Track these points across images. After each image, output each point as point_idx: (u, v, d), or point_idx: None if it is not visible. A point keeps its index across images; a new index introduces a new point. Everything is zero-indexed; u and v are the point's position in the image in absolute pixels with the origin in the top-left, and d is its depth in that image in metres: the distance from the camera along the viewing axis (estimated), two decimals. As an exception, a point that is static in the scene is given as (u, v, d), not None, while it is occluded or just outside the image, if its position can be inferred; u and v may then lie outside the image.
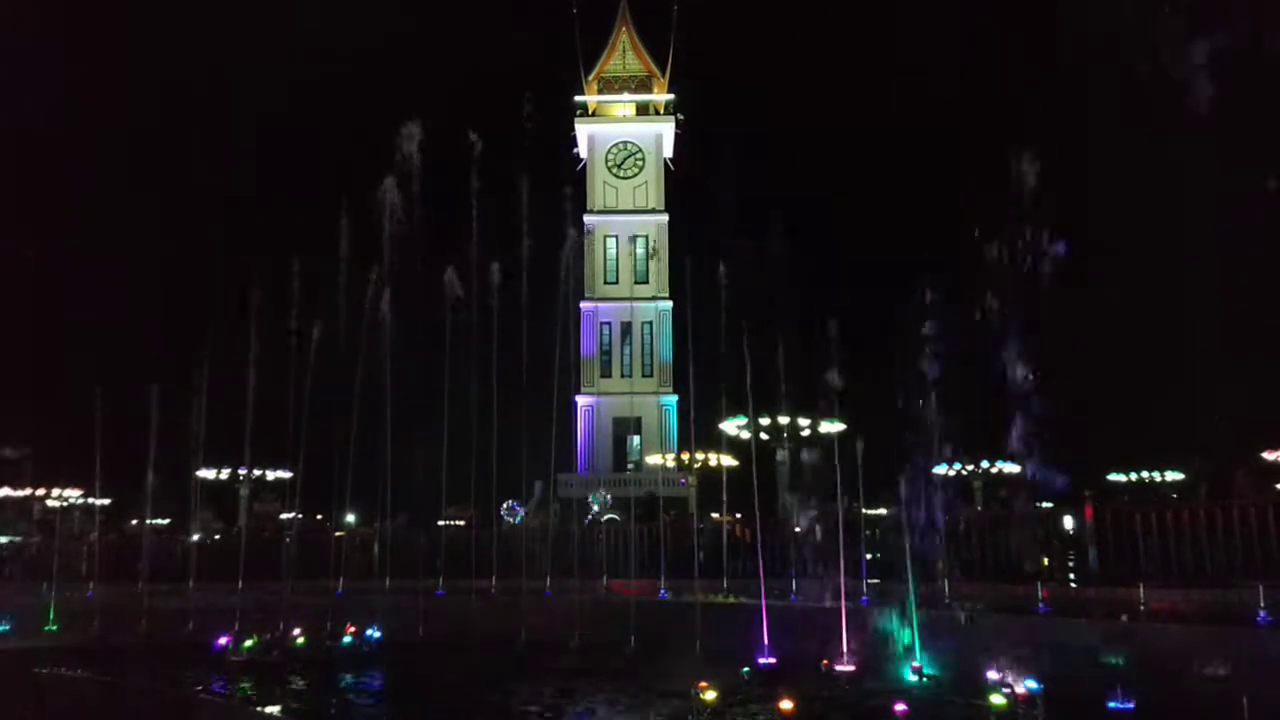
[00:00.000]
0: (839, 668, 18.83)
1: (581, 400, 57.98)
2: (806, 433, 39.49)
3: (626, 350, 59.37)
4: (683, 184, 61.02)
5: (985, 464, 44.74)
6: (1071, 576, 25.71)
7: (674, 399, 57.71)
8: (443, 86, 72.67)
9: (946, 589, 23.52)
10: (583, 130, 62.31)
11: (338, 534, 34.43)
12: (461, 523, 35.64)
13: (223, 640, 23.23)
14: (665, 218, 60.26)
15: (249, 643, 23.11)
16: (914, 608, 19.34)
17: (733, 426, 40.21)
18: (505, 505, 38.21)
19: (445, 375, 31.28)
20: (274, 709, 17.30)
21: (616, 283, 59.87)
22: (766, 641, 20.43)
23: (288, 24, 68.30)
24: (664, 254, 59.44)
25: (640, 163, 61.58)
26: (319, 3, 76.44)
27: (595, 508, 43.97)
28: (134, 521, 41.69)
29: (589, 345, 58.77)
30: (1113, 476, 47.34)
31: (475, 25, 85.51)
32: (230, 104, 75.46)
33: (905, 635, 18.89)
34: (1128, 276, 48.23)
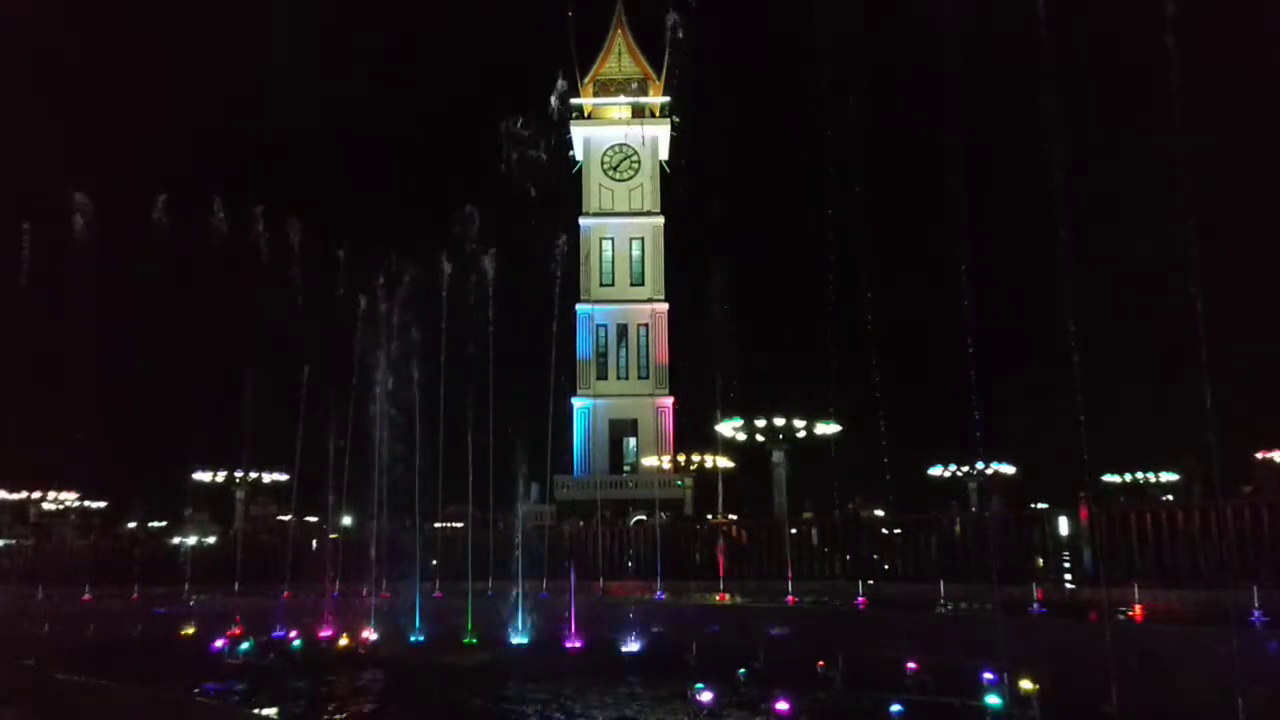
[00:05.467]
0: None
1: (577, 402, 58.03)
2: (801, 434, 39.60)
3: (622, 352, 59.43)
4: (679, 186, 61.13)
5: (980, 465, 44.90)
6: (1067, 577, 25.78)
7: (670, 401, 57.84)
8: (436, 90, 72.83)
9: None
10: (578, 133, 62.36)
11: (332, 535, 34.48)
12: (459, 524, 35.63)
13: (219, 643, 23.21)
14: (661, 220, 60.33)
15: (245, 645, 23.10)
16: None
17: (728, 428, 40.30)
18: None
19: (442, 377, 31.31)
20: (270, 711, 17.31)
21: (612, 285, 59.95)
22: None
23: (278, 29, 68.36)
24: (659, 256, 59.59)
25: (636, 165, 61.63)
26: (306, 8, 76.58)
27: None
28: (130, 524, 41.72)
29: (585, 348, 58.86)
30: (1107, 477, 47.55)
31: (471, 28, 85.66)
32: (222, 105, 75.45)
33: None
34: (1123, 273, 48.40)
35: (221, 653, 22.82)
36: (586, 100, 62.86)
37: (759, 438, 39.76)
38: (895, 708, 14.78)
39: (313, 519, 43.42)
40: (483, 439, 30.60)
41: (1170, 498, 42.63)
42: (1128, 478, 49.75)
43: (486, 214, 34.95)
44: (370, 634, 24.75)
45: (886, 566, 29.30)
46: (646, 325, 59.09)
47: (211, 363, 32.24)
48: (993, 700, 15.16)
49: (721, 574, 29.65)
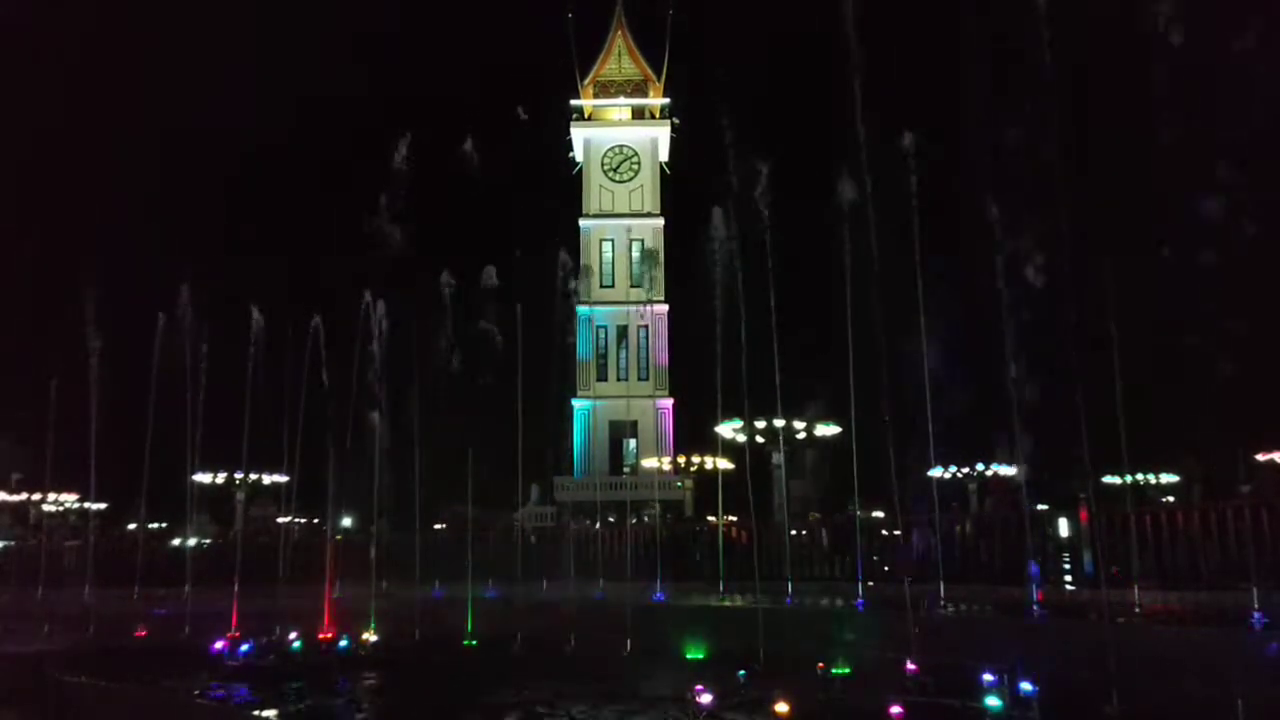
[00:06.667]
0: None
1: (578, 404, 58.05)
2: (802, 435, 39.61)
3: (623, 354, 59.47)
4: (678, 187, 61.16)
5: (980, 466, 44.86)
6: (1067, 579, 25.78)
7: (670, 402, 57.85)
8: (437, 92, 72.85)
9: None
10: (578, 134, 62.43)
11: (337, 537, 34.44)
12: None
13: (219, 644, 23.18)
14: (661, 221, 60.36)
15: (245, 646, 23.07)
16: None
17: (728, 429, 40.25)
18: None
19: (442, 378, 31.32)
20: (270, 713, 17.30)
21: (613, 286, 59.98)
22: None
23: (274, 29, 68.38)
24: (660, 257, 59.60)
25: (636, 166, 61.71)
26: (302, 7, 76.55)
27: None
28: (130, 525, 41.70)
29: (585, 349, 58.88)
30: (1107, 479, 47.42)
31: (472, 29, 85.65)
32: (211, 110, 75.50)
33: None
34: (1122, 273, 48.28)
35: (221, 654, 22.80)
36: (586, 102, 62.92)
37: (759, 439, 39.75)
38: (895, 709, 14.76)
39: (312, 519, 43.46)
40: (483, 440, 30.62)
41: (1171, 499, 42.60)
42: (1128, 479, 49.67)
43: (485, 215, 34.96)
44: (370, 635, 24.77)
45: (887, 568, 29.27)
46: (646, 326, 59.10)
47: (209, 363, 32.17)
48: (993, 701, 15.15)
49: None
